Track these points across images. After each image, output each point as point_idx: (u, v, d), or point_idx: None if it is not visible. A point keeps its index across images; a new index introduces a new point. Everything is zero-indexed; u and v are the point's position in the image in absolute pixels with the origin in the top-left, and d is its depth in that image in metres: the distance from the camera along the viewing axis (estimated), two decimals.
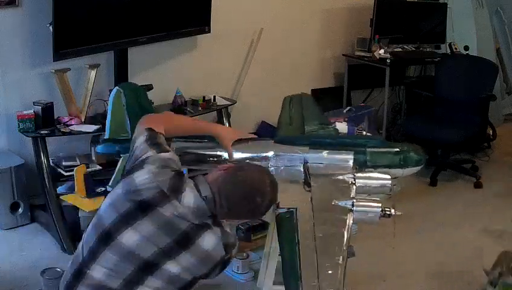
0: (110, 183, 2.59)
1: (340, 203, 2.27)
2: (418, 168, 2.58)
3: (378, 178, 2.43)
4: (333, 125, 2.96)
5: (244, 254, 3.35)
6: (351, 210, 2.26)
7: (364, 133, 3.03)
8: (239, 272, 3.28)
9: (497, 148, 5.40)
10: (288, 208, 2.22)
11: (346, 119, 4.88)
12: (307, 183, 2.41)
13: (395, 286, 3.29)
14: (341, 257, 2.00)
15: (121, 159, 2.62)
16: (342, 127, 2.97)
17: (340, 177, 2.43)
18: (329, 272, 1.97)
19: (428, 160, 2.64)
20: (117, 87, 2.76)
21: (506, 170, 4.98)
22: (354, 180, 2.40)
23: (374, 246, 3.49)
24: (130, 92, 2.76)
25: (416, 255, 3.57)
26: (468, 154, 5.17)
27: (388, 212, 2.28)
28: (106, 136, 2.68)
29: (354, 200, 2.28)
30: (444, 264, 3.52)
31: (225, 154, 2.56)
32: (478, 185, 4.64)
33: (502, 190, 4.51)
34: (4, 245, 3.50)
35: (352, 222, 2.23)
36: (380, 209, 2.26)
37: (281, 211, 2.22)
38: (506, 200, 3.95)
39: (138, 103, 2.74)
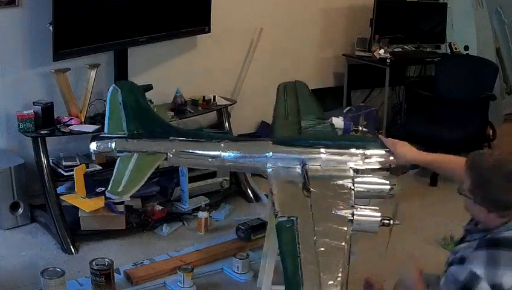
0: (109, 188, 2.55)
1: (340, 213, 2.24)
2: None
3: (377, 183, 2.42)
4: (329, 120, 2.95)
5: (244, 254, 3.35)
6: (351, 220, 2.23)
7: (360, 128, 3.01)
8: (239, 272, 3.28)
9: (497, 148, 5.39)
10: (289, 217, 2.19)
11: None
12: (305, 187, 2.38)
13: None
14: (342, 274, 1.96)
15: (119, 159, 2.63)
16: (338, 122, 2.95)
17: (339, 181, 2.42)
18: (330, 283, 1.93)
19: None
20: (114, 85, 2.81)
21: None
22: (353, 185, 2.39)
23: (374, 246, 3.49)
24: (127, 90, 2.79)
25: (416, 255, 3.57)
26: (468, 154, 5.16)
27: (387, 222, 2.25)
28: (105, 132, 2.72)
29: (354, 210, 2.25)
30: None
31: (223, 153, 2.56)
32: None
33: None
34: (4, 245, 3.50)
35: (351, 231, 2.20)
36: (380, 219, 2.24)
37: (281, 219, 2.20)
38: None
39: (136, 101, 2.77)
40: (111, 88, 2.79)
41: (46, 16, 3.44)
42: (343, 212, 2.24)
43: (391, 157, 2.49)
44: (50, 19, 3.40)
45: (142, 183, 2.57)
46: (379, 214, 2.25)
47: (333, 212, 2.24)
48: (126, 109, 2.72)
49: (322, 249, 2.05)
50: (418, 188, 4.44)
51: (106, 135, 2.71)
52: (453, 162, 2.32)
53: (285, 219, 2.18)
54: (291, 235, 2.11)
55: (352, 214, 2.23)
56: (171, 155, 2.62)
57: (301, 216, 2.19)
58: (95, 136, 2.76)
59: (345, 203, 2.29)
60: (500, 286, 1.84)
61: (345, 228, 2.17)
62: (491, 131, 5.28)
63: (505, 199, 1.92)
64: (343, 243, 2.10)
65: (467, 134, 4.70)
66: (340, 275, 1.95)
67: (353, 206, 2.27)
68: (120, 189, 2.51)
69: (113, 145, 2.65)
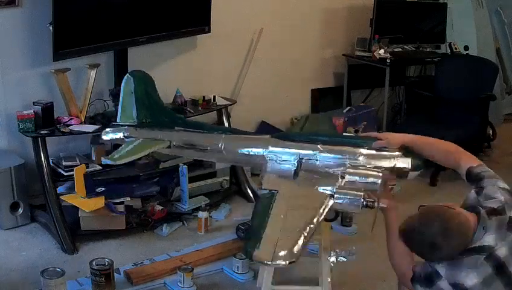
0: (109, 156, 2.76)
1: (321, 189, 2.31)
2: (417, 173, 2.56)
3: (368, 175, 2.40)
4: None
5: None
6: (332, 195, 2.29)
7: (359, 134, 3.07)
8: (239, 272, 3.28)
9: (497, 148, 5.39)
10: (270, 190, 2.32)
11: (346, 119, 4.93)
12: (296, 173, 2.46)
13: (395, 286, 3.28)
14: (301, 240, 2.07)
15: (126, 142, 2.77)
16: None
17: (331, 170, 2.46)
18: (289, 236, 2.06)
19: (428, 160, 2.62)
20: (128, 74, 2.93)
21: (506, 170, 4.96)
22: (344, 174, 2.40)
23: (374, 246, 3.49)
24: (139, 79, 2.88)
25: (416, 255, 3.57)
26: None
27: (371, 203, 2.24)
28: (118, 120, 2.86)
29: (336, 188, 2.30)
30: None
31: (221, 144, 2.63)
32: None
33: None
34: (4, 245, 3.51)
35: (330, 206, 2.28)
36: (362, 198, 2.24)
37: (263, 191, 2.33)
38: None
39: (146, 91, 2.87)
40: (125, 77, 2.90)
41: (46, 16, 3.44)
42: (325, 188, 2.32)
43: (392, 161, 2.49)
44: (50, 19, 3.40)
45: (138, 156, 2.79)
46: (361, 193, 2.26)
47: (315, 188, 2.33)
48: (136, 97, 2.83)
49: (293, 213, 2.19)
50: (418, 188, 4.44)
51: (118, 123, 2.84)
52: (435, 148, 2.38)
53: (266, 191, 2.32)
54: (267, 202, 2.26)
55: (334, 191, 2.29)
56: (174, 144, 2.71)
57: (282, 189, 2.32)
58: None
59: (330, 184, 2.35)
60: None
61: (323, 200, 2.26)
62: (491, 131, 5.28)
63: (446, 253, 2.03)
64: (316, 205, 2.22)
65: (467, 134, 4.69)
66: (300, 241, 2.07)
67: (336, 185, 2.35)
68: (116, 156, 2.69)
69: (123, 133, 2.78)
